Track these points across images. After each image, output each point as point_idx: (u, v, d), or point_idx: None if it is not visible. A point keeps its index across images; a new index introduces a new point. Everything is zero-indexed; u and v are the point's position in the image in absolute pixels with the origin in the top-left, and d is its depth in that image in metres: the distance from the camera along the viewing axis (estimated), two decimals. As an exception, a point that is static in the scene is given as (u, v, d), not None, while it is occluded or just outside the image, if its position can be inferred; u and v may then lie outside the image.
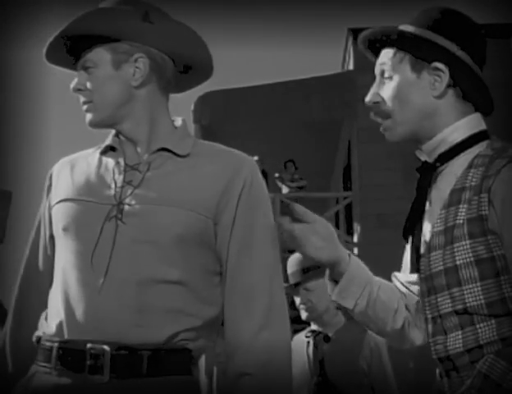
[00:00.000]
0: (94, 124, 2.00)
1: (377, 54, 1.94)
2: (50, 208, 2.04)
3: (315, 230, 1.89)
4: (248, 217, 1.96)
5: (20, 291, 2.08)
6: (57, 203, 2.00)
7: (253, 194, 1.98)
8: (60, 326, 1.89)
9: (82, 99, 1.99)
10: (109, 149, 2.03)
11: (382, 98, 1.88)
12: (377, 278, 1.99)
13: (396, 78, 1.86)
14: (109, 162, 2.01)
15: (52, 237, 2.03)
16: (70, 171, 2.04)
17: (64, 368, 1.86)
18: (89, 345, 1.84)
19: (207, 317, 1.93)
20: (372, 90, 1.90)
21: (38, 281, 2.05)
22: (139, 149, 1.99)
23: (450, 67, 1.82)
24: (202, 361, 1.96)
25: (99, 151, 2.04)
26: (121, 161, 1.98)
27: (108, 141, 2.04)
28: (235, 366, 1.91)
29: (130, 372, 1.84)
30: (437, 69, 1.82)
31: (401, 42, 1.85)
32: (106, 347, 1.83)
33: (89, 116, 1.98)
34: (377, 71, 1.91)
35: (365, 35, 1.92)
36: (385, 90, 1.88)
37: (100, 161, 2.02)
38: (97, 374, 1.83)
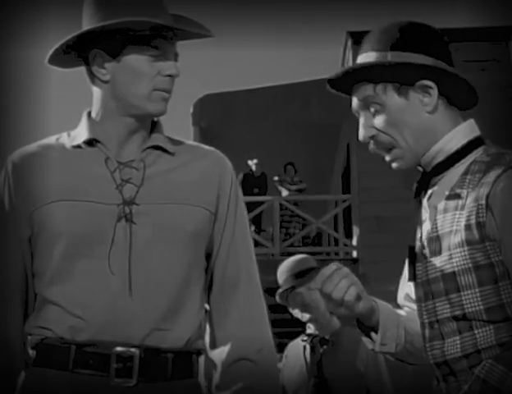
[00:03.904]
0: None
1: (345, 90, 1.88)
2: (31, 209, 1.90)
3: (354, 281, 1.82)
4: (235, 211, 2.02)
5: None
6: (48, 204, 1.89)
7: (237, 190, 2.04)
8: (75, 328, 1.85)
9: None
10: (87, 144, 1.94)
11: (378, 130, 1.83)
12: (397, 310, 1.97)
13: (386, 108, 1.82)
14: (95, 158, 1.93)
15: (32, 239, 1.92)
16: (44, 168, 1.93)
17: (84, 371, 1.83)
18: (118, 349, 1.82)
19: (203, 311, 1.97)
20: (364, 125, 1.85)
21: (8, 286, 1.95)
22: (129, 146, 1.95)
23: (435, 81, 1.80)
24: (201, 363, 1.98)
25: (73, 145, 1.95)
26: (111, 157, 1.93)
27: (88, 135, 1.94)
28: (233, 353, 1.94)
29: (157, 375, 1.84)
30: (425, 86, 1.80)
31: (379, 73, 1.80)
32: (135, 350, 1.82)
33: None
34: (357, 106, 1.85)
35: (336, 75, 1.84)
36: (377, 122, 1.83)
37: (82, 156, 1.94)
38: (124, 378, 1.82)
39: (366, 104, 1.84)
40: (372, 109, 1.84)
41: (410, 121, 1.82)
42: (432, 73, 1.80)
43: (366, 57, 1.84)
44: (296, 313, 3.82)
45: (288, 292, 3.77)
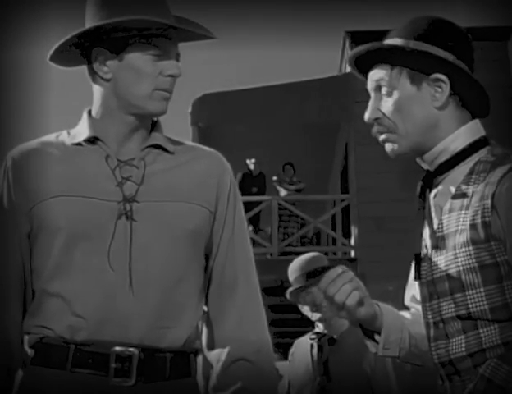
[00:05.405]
0: None
1: (363, 70, 1.90)
2: (30, 205, 1.90)
3: (358, 286, 1.83)
4: (234, 211, 2.02)
5: None
6: (47, 199, 1.89)
7: (235, 191, 2.04)
8: (74, 327, 1.85)
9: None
10: (87, 142, 1.95)
11: (383, 114, 1.85)
12: (402, 313, 1.97)
13: (396, 93, 1.83)
14: (96, 155, 1.94)
15: (31, 235, 1.92)
16: (44, 164, 1.94)
17: (83, 370, 1.83)
18: (117, 348, 1.82)
19: (201, 311, 1.98)
20: (371, 107, 1.87)
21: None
22: (129, 145, 1.96)
23: (450, 77, 1.81)
24: (199, 363, 1.98)
25: (73, 142, 1.96)
26: (111, 155, 1.94)
27: (88, 133, 1.95)
28: (231, 353, 1.94)
29: (156, 375, 1.85)
30: (438, 80, 1.81)
31: (398, 57, 1.83)
32: (134, 350, 1.83)
33: None
34: (370, 86, 1.88)
35: (357, 52, 1.87)
36: (385, 106, 1.85)
37: (82, 153, 1.95)
38: (123, 377, 1.82)
39: (379, 85, 1.86)
40: (384, 92, 1.85)
41: (416, 112, 1.83)
42: (447, 68, 1.80)
43: (391, 42, 1.86)
44: (306, 311, 3.82)
45: (298, 291, 3.78)
